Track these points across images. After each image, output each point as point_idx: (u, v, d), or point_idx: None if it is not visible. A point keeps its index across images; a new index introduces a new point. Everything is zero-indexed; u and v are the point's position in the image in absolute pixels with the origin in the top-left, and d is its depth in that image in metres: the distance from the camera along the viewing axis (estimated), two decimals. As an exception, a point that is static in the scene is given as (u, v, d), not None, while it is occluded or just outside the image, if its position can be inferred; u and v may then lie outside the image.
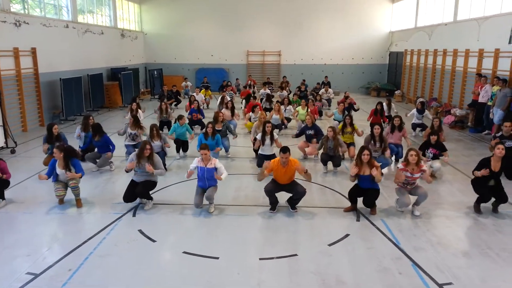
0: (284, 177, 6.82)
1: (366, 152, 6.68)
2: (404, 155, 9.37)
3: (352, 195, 6.89)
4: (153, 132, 9.03)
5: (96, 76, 17.78)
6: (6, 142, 10.73)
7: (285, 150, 6.72)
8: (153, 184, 7.12)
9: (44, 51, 14.37)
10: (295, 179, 6.96)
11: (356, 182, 6.91)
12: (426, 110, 13.22)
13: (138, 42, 24.76)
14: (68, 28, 16.37)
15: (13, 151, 10.60)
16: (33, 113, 14.00)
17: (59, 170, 7.04)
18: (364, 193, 6.79)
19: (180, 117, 10.38)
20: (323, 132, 10.05)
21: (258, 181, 7.34)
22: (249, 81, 21.68)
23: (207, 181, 6.85)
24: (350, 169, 6.92)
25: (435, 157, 8.72)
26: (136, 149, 9.58)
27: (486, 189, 6.75)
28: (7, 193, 7.31)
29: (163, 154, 8.96)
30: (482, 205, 6.91)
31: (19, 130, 12.97)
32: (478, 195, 6.90)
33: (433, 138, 8.66)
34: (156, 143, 8.87)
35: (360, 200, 6.89)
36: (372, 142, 8.85)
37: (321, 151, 9.45)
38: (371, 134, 9.04)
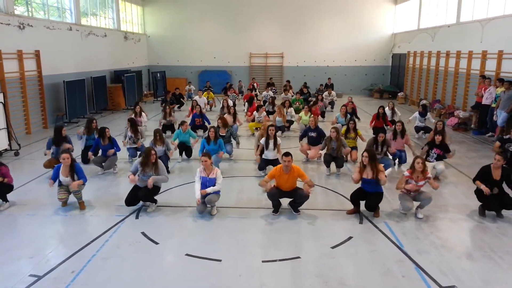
0: (286, 184, 6.81)
1: (365, 154, 6.68)
2: (406, 160, 9.41)
3: (355, 198, 6.87)
4: (156, 137, 9.05)
5: (100, 79, 17.84)
6: (10, 145, 10.78)
7: (287, 154, 6.72)
8: (156, 189, 7.11)
9: (48, 54, 14.45)
10: (298, 186, 6.95)
11: (359, 185, 6.89)
12: (428, 113, 13.19)
13: (141, 44, 24.84)
14: (71, 31, 16.44)
15: (16, 154, 10.64)
16: (37, 116, 14.06)
17: (62, 178, 7.07)
18: (366, 196, 6.77)
19: (182, 123, 10.40)
20: (326, 134, 10.02)
21: (264, 190, 7.11)
22: (252, 84, 21.66)
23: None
24: (354, 173, 6.90)
25: (439, 157, 8.68)
26: (138, 152, 9.72)
27: (491, 198, 6.68)
28: (11, 195, 7.33)
29: (165, 158, 8.98)
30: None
31: (23, 133, 13.03)
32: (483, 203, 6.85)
33: (438, 138, 8.63)
34: (159, 148, 8.88)
35: (363, 203, 6.88)
36: (374, 146, 8.83)
37: (324, 151, 9.44)
38: (374, 138, 9.02)
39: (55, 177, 7.08)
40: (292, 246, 5.83)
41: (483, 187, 6.57)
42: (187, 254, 5.55)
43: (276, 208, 6.91)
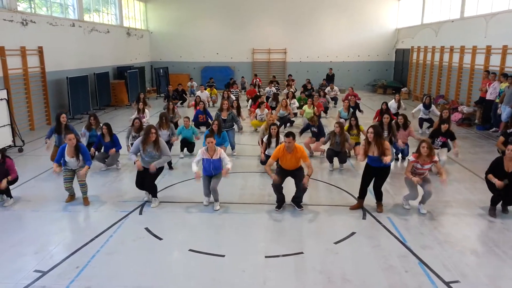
0: (289, 163, 6.79)
1: (370, 130, 6.61)
2: (409, 153, 9.38)
3: (365, 181, 6.79)
4: (162, 121, 9.00)
5: (103, 75, 17.86)
6: (13, 141, 10.82)
7: (288, 134, 6.68)
8: (159, 169, 7.04)
9: (51, 50, 14.47)
10: (301, 166, 6.92)
11: (366, 161, 6.81)
12: (433, 105, 13.06)
13: (144, 40, 24.83)
14: (74, 27, 16.45)
15: (20, 150, 10.68)
16: (40, 112, 14.10)
17: (68, 158, 7.01)
18: (375, 174, 6.73)
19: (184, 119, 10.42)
20: (325, 133, 10.03)
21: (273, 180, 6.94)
22: (255, 80, 21.63)
23: (213, 171, 6.87)
24: (359, 150, 6.81)
25: (444, 145, 8.64)
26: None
27: (503, 190, 6.54)
28: (15, 191, 7.38)
29: (169, 145, 8.91)
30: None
31: (27, 129, 13.06)
32: (492, 194, 6.73)
33: (444, 127, 8.55)
34: (164, 132, 8.82)
35: (367, 198, 6.89)
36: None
37: (327, 146, 9.41)
38: (380, 122, 8.89)
39: (59, 159, 6.99)
40: (295, 241, 5.84)
41: (495, 180, 6.48)
42: (190, 250, 5.57)
43: (280, 204, 6.92)
